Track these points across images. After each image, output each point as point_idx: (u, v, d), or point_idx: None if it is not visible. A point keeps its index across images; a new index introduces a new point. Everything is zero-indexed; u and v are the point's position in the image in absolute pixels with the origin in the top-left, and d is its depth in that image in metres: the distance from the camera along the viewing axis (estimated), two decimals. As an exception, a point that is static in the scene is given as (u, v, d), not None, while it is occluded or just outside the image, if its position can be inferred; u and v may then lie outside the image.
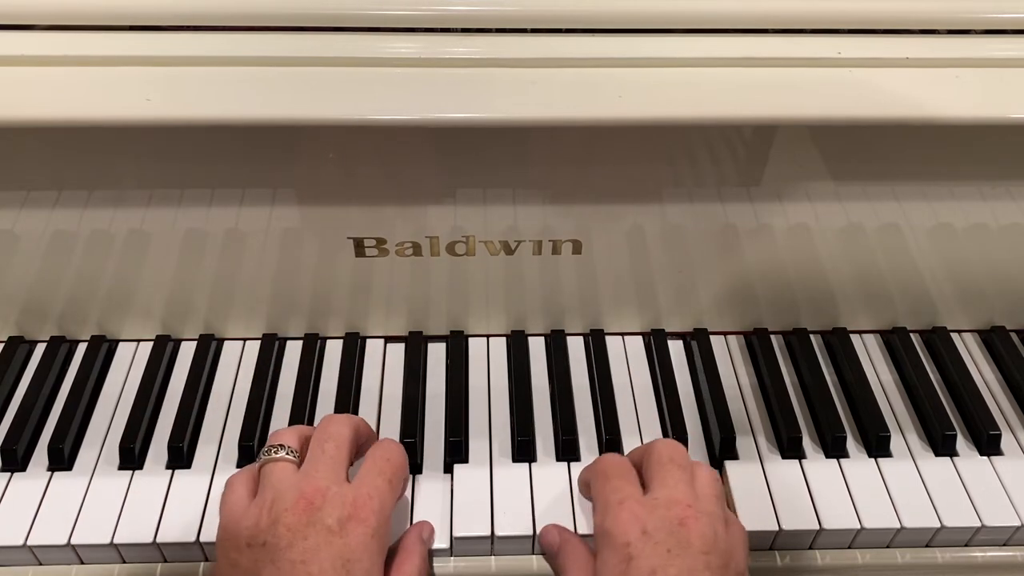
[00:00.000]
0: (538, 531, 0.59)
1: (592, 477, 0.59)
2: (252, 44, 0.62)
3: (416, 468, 0.64)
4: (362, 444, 0.59)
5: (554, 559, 0.58)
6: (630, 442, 0.66)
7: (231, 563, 0.51)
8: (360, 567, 0.50)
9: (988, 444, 0.66)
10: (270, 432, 0.64)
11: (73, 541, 0.59)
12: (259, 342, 0.73)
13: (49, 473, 0.63)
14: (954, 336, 0.75)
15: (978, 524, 0.61)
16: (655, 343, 0.73)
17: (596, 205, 0.66)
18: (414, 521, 0.60)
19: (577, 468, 0.63)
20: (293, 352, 0.73)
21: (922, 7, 0.65)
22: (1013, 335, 0.75)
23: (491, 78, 0.61)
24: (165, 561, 0.60)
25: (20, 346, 0.72)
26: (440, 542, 0.60)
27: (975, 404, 0.68)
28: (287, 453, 0.55)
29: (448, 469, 0.64)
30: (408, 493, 0.62)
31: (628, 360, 0.73)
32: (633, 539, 0.52)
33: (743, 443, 0.66)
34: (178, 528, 0.59)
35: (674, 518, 0.52)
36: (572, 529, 0.59)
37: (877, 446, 0.65)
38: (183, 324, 0.73)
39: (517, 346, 0.73)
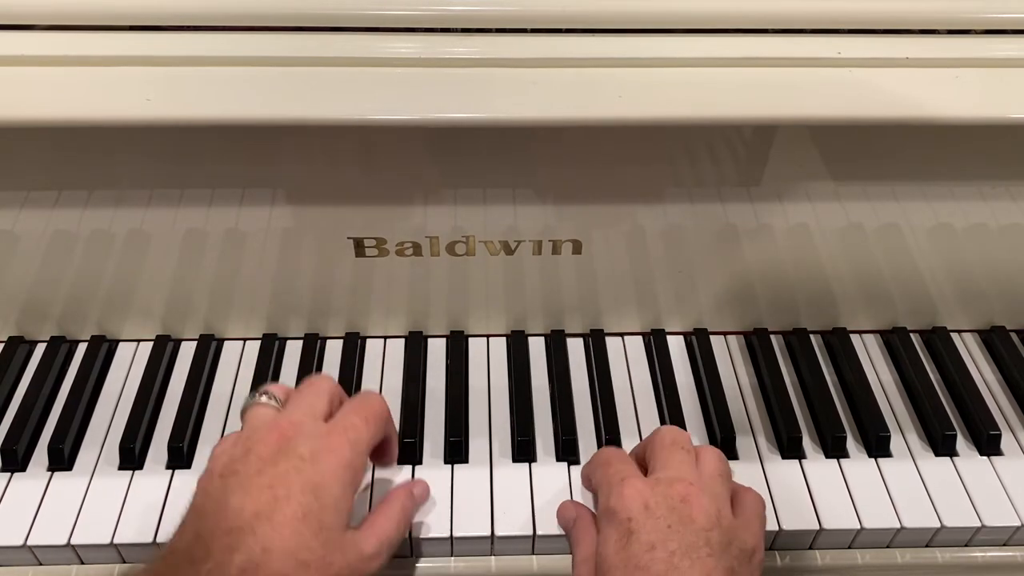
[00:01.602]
0: (538, 529, 0.59)
1: (593, 467, 0.59)
2: (252, 44, 0.62)
3: (416, 467, 0.64)
4: None
5: (569, 532, 0.58)
6: (630, 442, 0.65)
7: (203, 493, 0.51)
8: (329, 493, 0.50)
9: (988, 444, 0.66)
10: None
11: (73, 541, 0.59)
12: (259, 342, 0.73)
13: (49, 473, 0.63)
14: (954, 336, 0.75)
15: (978, 524, 0.61)
16: (655, 343, 0.74)
17: (596, 205, 0.66)
18: (415, 515, 0.60)
19: (577, 469, 0.63)
20: (293, 352, 0.73)
21: (922, 7, 0.65)
22: (1013, 335, 0.75)
23: (491, 78, 0.61)
24: (165, 561, 0.60)
25: (20, 346, 0.72)
26: (440, 538, 0.59)
27: (975, 404, 0.68)
28: (270, 399, 0.55)
29: (448, 469, 0.64)
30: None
31: (628, 360, 0.73)
32: (635, 514, 0.52)
33: (743, 443, 0.66)
34: (178, 528, 0.59)
35: (676, 495, 0.53)
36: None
37: (877, 446, 0.65)
38: (183, 324, 0.73)
39: (517, 346, 0.73)
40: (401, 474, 0.63)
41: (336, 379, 0.69)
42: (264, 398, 0.55)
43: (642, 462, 0.58)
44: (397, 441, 0.61)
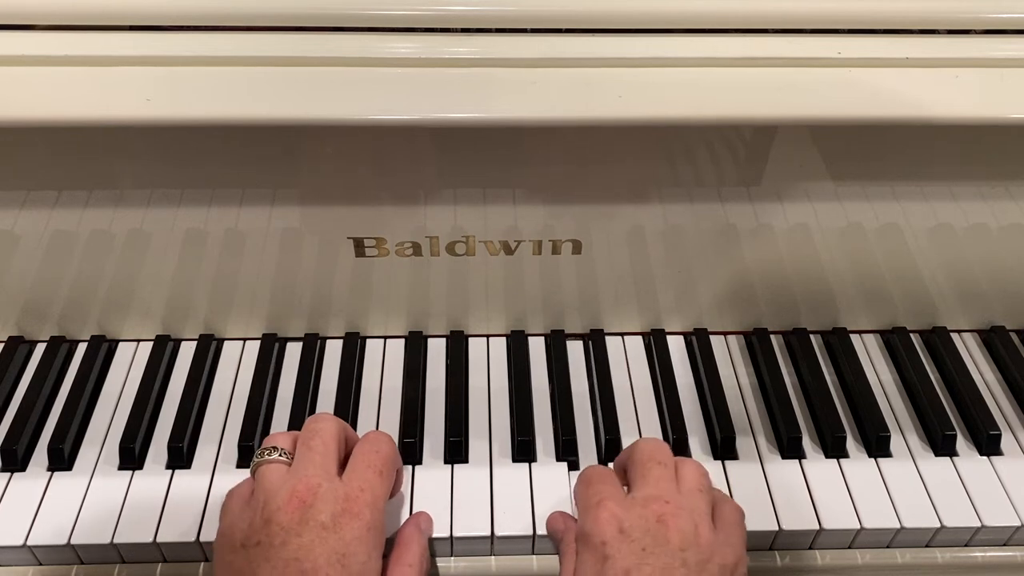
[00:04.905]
0: (538, 529, 0.59)
1: (576, 486, 0.58)
2: (252, 44, 0.62)
3: (416, 467, 0.64)
4: (350, 445, 0.58)
5: (557, 545, 0.58)
6: (629, 442, 0.65)
7: (226, 564, 0.51)
8: (355, 560, 0.50)
9: (988, 444, 0.66)
10: (268, 434, 0.64)
11: (73, 541, 0.59)
12: (259, 342, 0.73)
13: (49, 473, 0.63)
14: (954, 336, 0.75)
15: (978, 524, 0.61)
16: (655, 343, 0.74)
17: (596, 205, 0.66)
18: (413, 516, 0.60)
19: (577, 470, 0.63)
20: (293, 352, 0.73)
21: (922, 7, 0.65)
22: (1013, 335, 0.75)
23: (491, 78, 0.61)
24: (165, 561, 0.60)
25: (20, 346, 0.72)
26: (440, 537, 0.59)
27: (975, 404, 0.68)
28: (280, 455, 0.55)
29: (448, 469, 0.64)
30: (407, 491, 0.62)
31: (628, 360, 0.73)
32: (609, 538, 0.52)
33: (743, 443, 0.66)
34: (178, 528, 0.59)
35: (652, 515, 0.52)
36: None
37: (877, 446, 0.65)
38: (183, 324, 0.73)
39: (517, 346, 0.73)
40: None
41: (337, 380, 0.70)
42: (275, 454, 0.55)
43: (624, 472, 0.58)
44: (402, 473, 0.61)
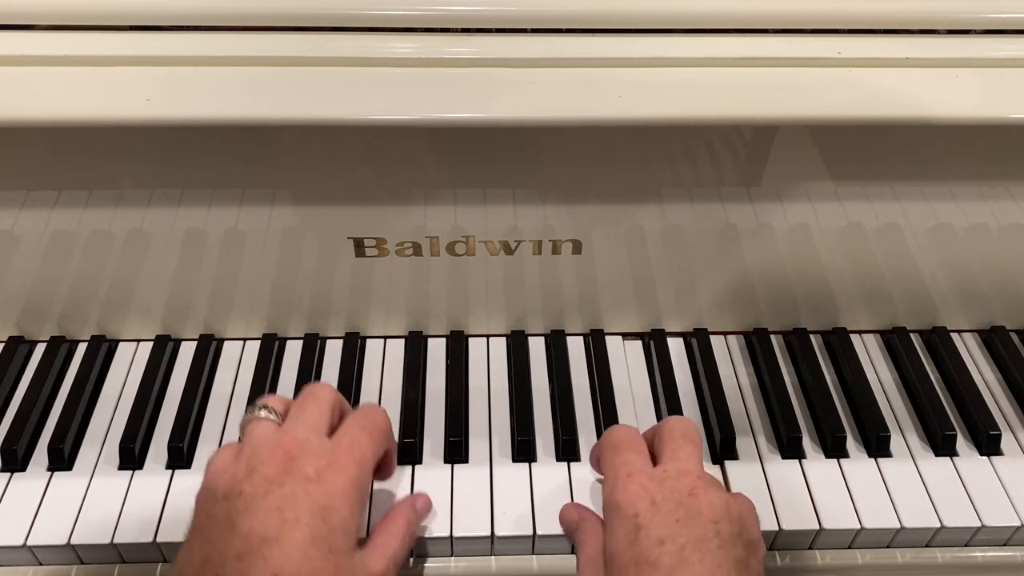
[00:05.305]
0: (538, 529, 0.59)
1: (602, 450, 0.58)
2: (252, 44, 0.62)
3: (416, 467, 0.64)
4: (345, 418, 0.58)
5: (572, 535, 0.58)
6: (630, 442, 0.65)
7: (207, 515, 0.50)
8: (338, 515, 0.49)
9: (988, 444, 0.66)
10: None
11: (73, 541, 0.59)
12: (259, 342, 0.73)
13: (49, 473, 0.63)
14: (954, 336, 0.75)
15: (978, 524, 0.61)
16: (655, 343, 0.74)
17: (596, 205, 0.66)
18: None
19: (577, 468, 0.63)
20: (293, 352, 0.73)
21: (922, 7, 0.65)
22: (1013, 335, 0.75)
23: (491, 78, 0.61)
24: (165, 561, 0.60)
25: (20, 346, 0.72)
26: (440, 537, 0.59)
27: (975, 404, 0.68)
28: (269, 413, 0.54)
29: (448, 468, 0.64)
30: (408, 491, 0.62)
31: (628, 360, 0.73)
32: (642, 509, 0.52)
33: (743, 443, 0.66)
34: (178, 528, 0.59)
35: (683, 488, 0.53)
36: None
37: (877, 446, 0.65)
38: (183, 324, 0.73)
39: (517, 346, 0.73)
40: (402, 475, 0.63)
41: (336, 380, 0.70)
42: (263, 412, 0.54)
43: (652, 446, 0.58)
44: (396, 453, 0.60)
